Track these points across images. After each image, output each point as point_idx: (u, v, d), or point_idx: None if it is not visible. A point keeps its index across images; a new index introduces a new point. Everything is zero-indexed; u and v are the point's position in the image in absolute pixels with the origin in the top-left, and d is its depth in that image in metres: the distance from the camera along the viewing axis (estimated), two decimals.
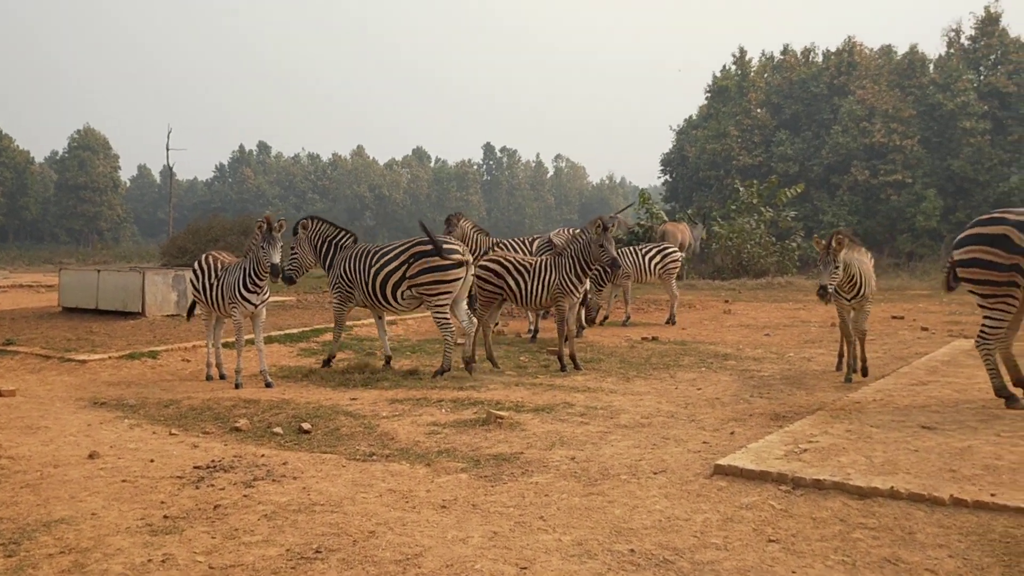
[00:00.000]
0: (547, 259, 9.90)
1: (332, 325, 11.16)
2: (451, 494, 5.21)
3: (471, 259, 9.69)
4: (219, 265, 9.45)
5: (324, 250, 10.37)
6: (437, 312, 9.52)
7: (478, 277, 10.05)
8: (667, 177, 49.19)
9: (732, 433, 6.58)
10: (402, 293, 9.66)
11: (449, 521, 4.72)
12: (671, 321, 14.52)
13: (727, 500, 4.96)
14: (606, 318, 14.60)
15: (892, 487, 4.81)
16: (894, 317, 14.50)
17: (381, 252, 9.89)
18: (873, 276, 8.64)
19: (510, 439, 6.63)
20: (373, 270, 9.76)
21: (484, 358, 10.14)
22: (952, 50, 41.18)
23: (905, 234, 35.32)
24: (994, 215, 6.86)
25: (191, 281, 9.87)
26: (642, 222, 25.15)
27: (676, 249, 14.64)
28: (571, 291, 9.63)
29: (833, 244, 7.79)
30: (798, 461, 5.38)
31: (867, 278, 8.36)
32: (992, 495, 4.62)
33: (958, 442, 5.70)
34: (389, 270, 9.67)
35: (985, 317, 6.92)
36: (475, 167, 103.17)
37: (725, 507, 4.84)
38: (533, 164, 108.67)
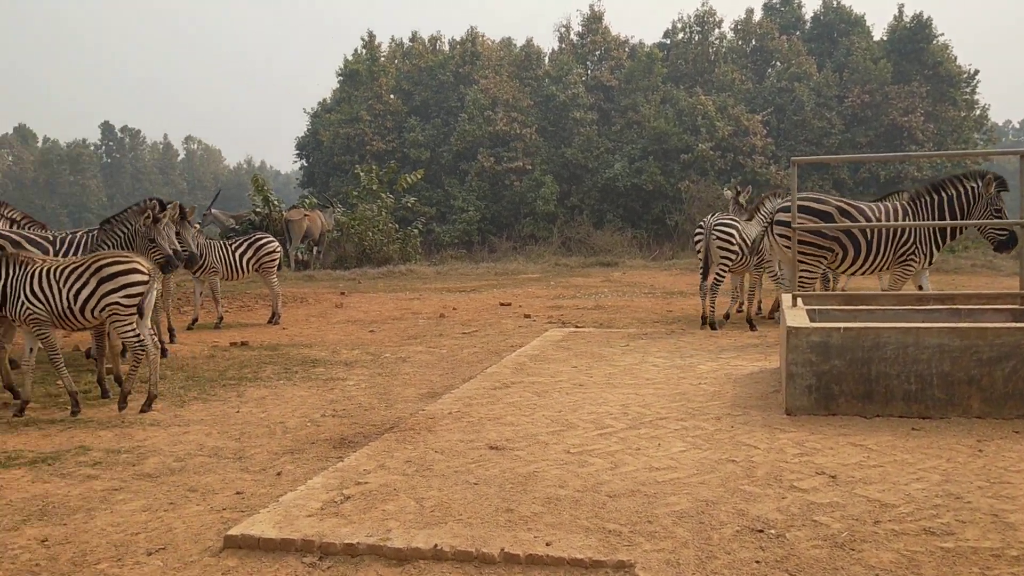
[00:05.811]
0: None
1: None
2: None
3: None
4: None
5: None
6: None
7: None
8: (303, 162, 47.10)
9: (279, 474, 5.31)
10: None
11: None
12: (274, 320, 13.02)
13: None
14: (195, 320, 12.70)
15: (436, 545, 3.84)
16: (502, 304, 14.31)
17: None
18: None
19: None
20: None
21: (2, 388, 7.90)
22: (563, 45, 43.97)
23: (528, 218, 36.93)
24: None
25: None
26: (259, 209, 23.17)
27: (271, 240, 13.08)
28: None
29: None
30: (335, 516, 4.24)
31: None
32: (548, 543, 3.82)
33: (524, 466, 4.94)
34: None
35: None
36: (92, 148, 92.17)
37: None
38: (161, 146, 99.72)
